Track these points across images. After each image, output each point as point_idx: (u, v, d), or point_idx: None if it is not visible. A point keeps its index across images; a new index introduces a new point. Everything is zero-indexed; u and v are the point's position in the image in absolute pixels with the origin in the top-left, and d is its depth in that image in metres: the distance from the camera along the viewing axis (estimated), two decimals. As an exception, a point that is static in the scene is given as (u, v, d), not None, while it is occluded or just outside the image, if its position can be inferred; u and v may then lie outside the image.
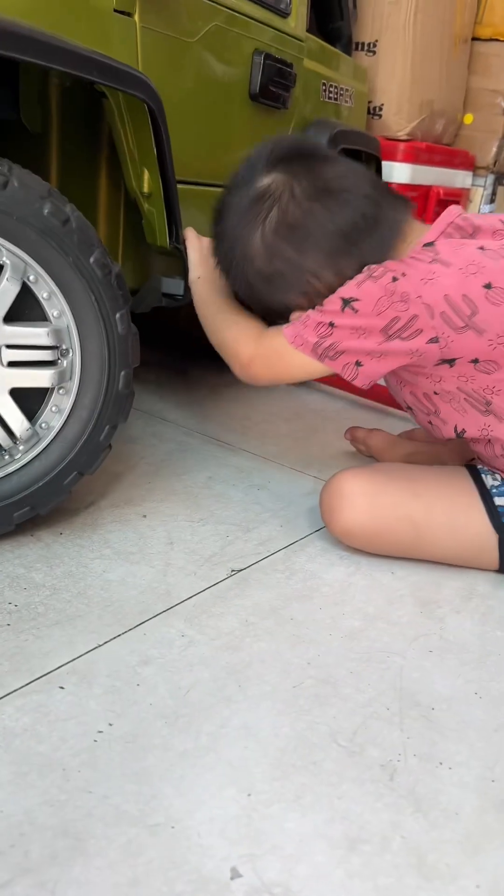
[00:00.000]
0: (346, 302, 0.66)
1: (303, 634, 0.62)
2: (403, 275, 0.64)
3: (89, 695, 0.52)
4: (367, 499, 0.72)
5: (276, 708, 0.53)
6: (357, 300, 0.65)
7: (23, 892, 0.38)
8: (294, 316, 0.72)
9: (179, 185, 0.92)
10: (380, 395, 1.17)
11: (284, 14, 1.07)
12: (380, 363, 0.67)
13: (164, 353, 1.42)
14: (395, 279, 0.64)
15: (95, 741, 0.48)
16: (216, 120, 0.97)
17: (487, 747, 0.51)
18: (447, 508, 0.72)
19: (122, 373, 0.68)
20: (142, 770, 0.46)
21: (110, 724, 0.49)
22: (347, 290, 0.66)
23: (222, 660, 0.57)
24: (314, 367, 0.69)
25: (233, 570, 0.70)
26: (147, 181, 0.84)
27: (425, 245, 0.68)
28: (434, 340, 0.64)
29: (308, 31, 1.30)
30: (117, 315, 0.66)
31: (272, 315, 0.76)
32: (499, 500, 0.71)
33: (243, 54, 0.99)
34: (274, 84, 1.04)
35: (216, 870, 0.40)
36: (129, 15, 0.80)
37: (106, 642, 0.57)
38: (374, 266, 0.67)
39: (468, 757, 0.50)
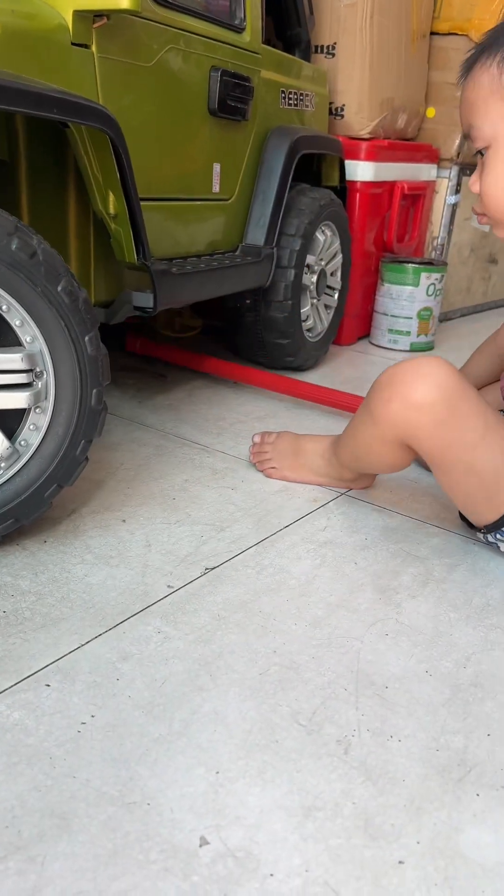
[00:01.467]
0: None
1: (270, 625, 0.67)
2: None
3: (73, 690, 0.57)
4: (450, 377, 0.71)
5: (243, 694, 0.58)
6: None
7: (16, 866, 0.43)
8: None
9: (145, 202, 0.96)
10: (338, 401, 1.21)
11: (239, 30, 1.11)
12: None
13: (143, 357, 1.46)
14: None
15: (79, 732, 0.53)
16: (177, 137, 1.02)
17: (434, 720, 0.57)
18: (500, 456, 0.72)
19: (94, 391, 0.73)
20: (120, 755, 0.51)
21: (92, 716, 0.55)
22: None
23: (195, 653, 0.62)
24: None
25: (206, 569, 0.75)
26: (112, 203, 0.88)
27: None
28: None
29: (268, 38, 1.34)
30: (86, 338, 0.71)
31: None
32: None
33: (200, 72, 1.03)
34: (232, 98, 1.08)
35: (186, 840, 0.46)
36: (87, 47, 0.84)
37: (88, 642, 0.63)
38: None
39: (416, 730, 0.56)
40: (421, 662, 0.63)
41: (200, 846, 0.45)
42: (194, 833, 0.46)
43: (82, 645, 0.62)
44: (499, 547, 0.80)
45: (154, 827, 0.46)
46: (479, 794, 0.51)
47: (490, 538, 0.79)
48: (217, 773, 0.51)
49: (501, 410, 0.88)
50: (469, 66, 0.68)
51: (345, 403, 1.18)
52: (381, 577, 0.76)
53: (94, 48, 0.85)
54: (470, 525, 0.83)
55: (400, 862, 0.46)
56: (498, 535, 0.78)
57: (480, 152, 0.69)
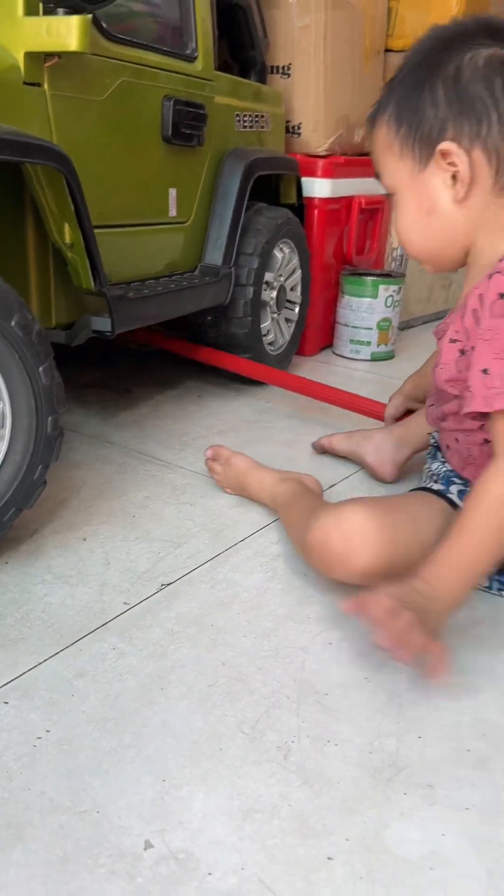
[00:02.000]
0: None
1: (220, 639, 0.71)
2: None
3: (30, 707, 0.60)
4: (381, 536, 0.72)
5: (191, 706, 0.62)
6: None
7: (-28, 874, 0.46)
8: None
9: (102, 230, 1.00)
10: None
11: (191, 59, 1.15)
12: None
13: (108, 373, 1.49)
14: None
15: (34, 746, 0.57)
16: (132, 166, 1.06)
17: (369, 725, 0.61)
18: (437, 532, 0.74)
19: (50, 418, 0.77)
20: (73, 768, 0.55)
21: (47, 731, 0.58)
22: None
23: (148, 668, 0.66)
24: None
25: (162, 585, 0.79)
26: (68, 234, 0.92)
27: None
28: None
29: (224, 61, 1.38)
30: (41, 368, 0.75)
31: None
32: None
33: (153, 102, 1.07)
34: (185, 125, 1.12)
35: (132, 844, 0.49)
36: (39, 85, 0.88)
37: (45, 660, 0.66)
38: None
39: (352, 735, 0.60)
40: (361, 670, 0.67)
41: (145, 849, 0.49)
42: (140, 837, 0.50)
43: (40, 663, 0.66)
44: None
45: (103, 833, 0.50)
46: (407, 794, 0.55)
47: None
48: (164, 781, 0.54)
49: (431, 435, 0.93)
50: (371, 121, 0.73)
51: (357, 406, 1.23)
52: (329, 590, 0.80)
53: (46, 86, 0.88)
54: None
55: (329, 858, 0.50)
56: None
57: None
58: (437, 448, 0.88)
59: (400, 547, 0.72)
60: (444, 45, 0.68)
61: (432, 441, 0.91)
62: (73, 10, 0.84)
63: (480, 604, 0.79)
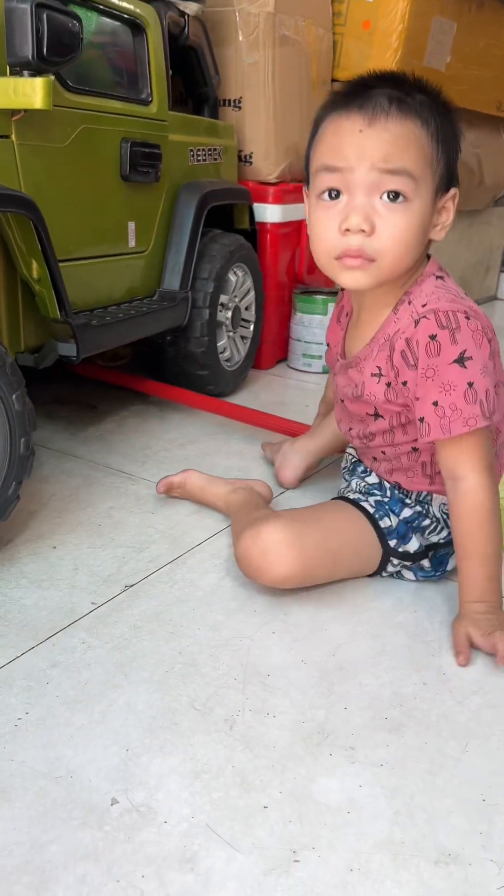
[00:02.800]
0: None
1: (177, 631, 0.81)
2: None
3: (10, 693, 0.70)
4: (293, 547, 0.82)
5: (151, 688, 0.72)
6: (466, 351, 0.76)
7: (-34, 828, 0.56)
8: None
9: (67, 263, 1.09)
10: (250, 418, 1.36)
11: (146, 102, 1.25)
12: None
13: (75, 387, 1.58)
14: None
15: (16, 725, 0.66)
16: (94, 203, 1.15)
17: (303, 700, 0.71)
18: (351, 535, 0.88)
19: (22, 440, 0.86)
20: (49, 741, 0.65)
21: (27, 713, 0.68)
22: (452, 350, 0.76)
23: (113, 658, 0.76)
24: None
25: (126, 586, 0.89)
26: (36, 269, 1.01)
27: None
28: None
29: (179, 97, 1.48)
30: (13, 396, 0.84)
31: None
32: (383, 523, 0.89)
33: (112, 144, 1.17)
34: (142, 165, 1.22)
35: (101, 800, 0.59)
36: (7, 137, 0.97)
37: (23, 654, 0.76)
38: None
39: (288, 708, 0.70)
40: (299, 654, 0.78)
41: (112, 805, 0.59)
42: (107, 795, 0.60)
43: (18, 656, 0.75)
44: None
45: (76, 793, 0.60)
46: (332, 754, 0.65)
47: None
48: (127, 750, 0.64)
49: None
50: (402, 105, 0.76)
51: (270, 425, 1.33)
52: (273, 587, 0.91)
53: (13, 137, 0.98)
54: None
55: (265, 807, 0.60)
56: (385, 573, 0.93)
57: None
58: (356, 464, 0.99)
59: (311, 555, 0.84)
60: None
61: (351, 458, 1.02)
62: (36, 72, 0.93)
63: (404, 594, 0.90)
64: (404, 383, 0.81)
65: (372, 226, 0.75)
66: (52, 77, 0.94)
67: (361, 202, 0.74)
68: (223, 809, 0.59)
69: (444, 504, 0.89)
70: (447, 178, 0.79)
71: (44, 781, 0.61)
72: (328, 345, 0.99)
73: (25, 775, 0.61)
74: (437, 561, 0.91)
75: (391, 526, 0.89)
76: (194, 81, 1.52)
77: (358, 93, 0.75)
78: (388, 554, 0.89)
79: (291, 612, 0.85)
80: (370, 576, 0.92)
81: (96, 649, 0.77)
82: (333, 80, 1.93)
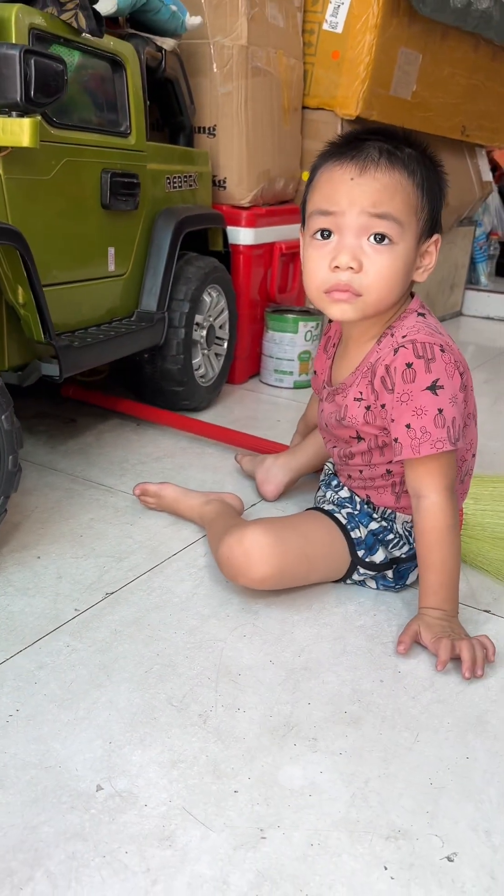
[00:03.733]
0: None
1: (155, 635, 0.87)
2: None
3: (1, 693, 0.76)
4: (274, 549, 0.89)
5: (131, 687, 0.78)
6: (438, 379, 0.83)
7: (-35, 813, 0.62)
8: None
9: (50, 287, 1.16)
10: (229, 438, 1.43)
11: (125, 134, 1.32)
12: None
13: (55, 402, 1.64)
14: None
15: (7, 721, 0.72)
16: (76, 231, 1.22)
17: (271, 696, 0.78)
18: (325, 542, 0.95)
19: (10, 457, 0.92)
20: (39, 736, 0.71)
21: (17, 710, 0.74)
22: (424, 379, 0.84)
23: (96, 660, 0.82)
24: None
25: (107, 593, 0.95)
26: (21, 295, 1.08)
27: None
28: None
29: (155, 125, 1.55)
30: (2, 416, 0.90)
31: None
32: (354, 534, 0.96)
33: (93, 175, 1.24)
34: (121, 193, 1.29)
35: (87, 788, 0.66)
36: (-6, 171, 1.03)
37: (11, 657, 0.81)
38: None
39: (257, 703, 0.77)
40: (267, 655, 0.85)
41: (97, 791, 0.65)
42: (93, 783, 0.66)
43: (7, 659, 0.81)
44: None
45: (64, 781, 0.66)
46: (296, 745, 0.72)
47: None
48: (110, 743, 0.71)
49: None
50: (390, 157, 0.84)
51: (238, 442, 1.39)
52: (246, 591, 0.97)
53: (0, 172, 1.04)
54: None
55: (235, 791, 0.67)
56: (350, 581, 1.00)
57: None
58: (332, 476, 1.07)
59: (290, 558, 0.91)
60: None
61: (329, 470, 1.10)
62: (24, 113, 1.00)
63: (366, 600, 0.97)
64: (383, 406, 0.90)
65: (359, 264, 0.83)
66: (39, 117, 1.01)
67: (351, 242, 0.83)
68: (198, 794, 0.66)
69: (407, 522, 0.97)
70: (431, 225, 0.88)
71: (35, 771, 0.67)
72: (315, 372, 1.07)
73: (18, 766, 0.67)
74: (398, 573, 0.98)
75: (360, 537, 0.96)
76: (171, 111, 1.59)
77: (352, 145, 0.84)
78: (355, 563, 0.97)
79: (261, 617, 0.92)
80: (335, 582, 0.99)
81: (80, 652, 0.83)
82: (304, 108, 2.02)
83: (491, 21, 2.24)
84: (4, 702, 0.75)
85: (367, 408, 0.92)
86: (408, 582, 1.00)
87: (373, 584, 0.99)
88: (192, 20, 1.53)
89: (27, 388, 1.23)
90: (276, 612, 0.93)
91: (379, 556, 0.96)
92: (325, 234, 0.85)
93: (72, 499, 1.21)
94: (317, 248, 0.86)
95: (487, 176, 2.89)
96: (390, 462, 0.93)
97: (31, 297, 1.07)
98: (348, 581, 0.99)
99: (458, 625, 0.88)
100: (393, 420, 0.88)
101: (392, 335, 0.90)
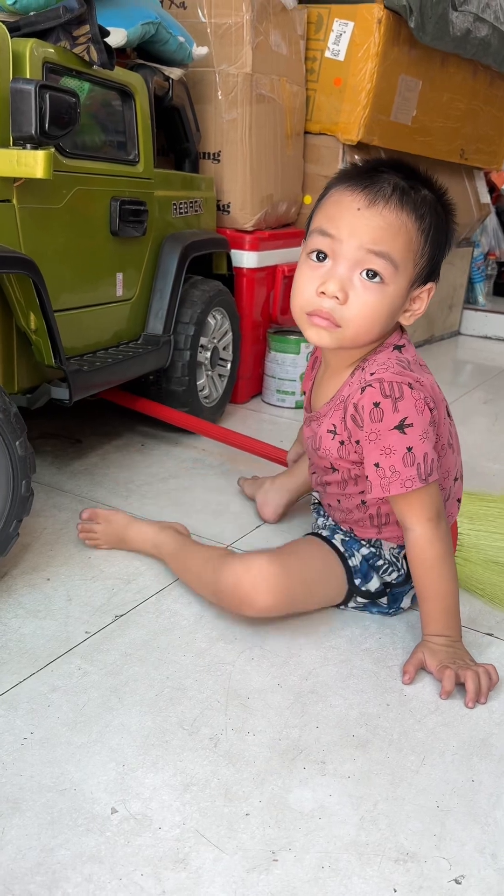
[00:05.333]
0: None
1: (165, 658, 0.89)
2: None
3: (16, 716, 0.77)
4: (280, 580, 0.89)
5: (143, 710, 0.80)
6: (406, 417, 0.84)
7: (-16, 835, 0.63)
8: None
9: (60, 313, 1.18)
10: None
11: (134, 163, 1.34)
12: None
13: (60, 424, 1.66)
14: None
15: (22, 745, 0.74)
16: (86, 258, 1.24)
17: (280, 719, 0.80)
18: (324, 570, 0.96)
19: (24, 482, 0.94)
20: (53, 759, 0.72)
21: (31, 733, 0.75)
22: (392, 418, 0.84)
23: (107, 682, 0.84)
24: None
25: (116, 616, 0.97)
26: (33, 321, 1.10)
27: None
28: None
29: (161, 150, 1.58)
30: (17, 442, 0.92)
31: None
32: (351, 562, 0.97)
33: (103, 203, 1.26)
34: (129, 220, 1.31)
35: (101, 810, 0.67)
36: (9, 201, 1.06)
37: (24, 679, 0.83)
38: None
39: (266, 727, 0.79)
40: (275, 678, 0.86)
41: (111, 813, 0.67)
42: (107, 806, 0.68)
43: (20, 682, 0.82)
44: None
45: (79, 803, 0.67)
46: (306, 768, 0.74)
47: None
48: (123, 765, 0.72)
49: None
50: (400, 198, 0.84)
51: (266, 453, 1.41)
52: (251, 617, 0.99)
53: (14, 201, 1.06)
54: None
55: (247, 814, 0.68)
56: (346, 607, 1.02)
57: None
58: (320, 504, 1.09)
59: (294, 587, 0.92)
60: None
61: (314, 500, 1.12)
62: (38, 145, 1.02)
63: (371, 623, 0.99)
64: (357, 442, 0.90)
65: (345, 295, 0.83)
66: (53, 149, 1.03)
67: (342, 273, 0.82)
68: (210, 817, 0.67)
69: (393, 549, 0.99)
70: (428, 272, 0.88)
71: (50, 794, 0.68)
72: (304, 392, 1.08)
73: (34, 789, 0.68)
74: (392, 598, 1.00)
75: (356, 565, 0.98)
76: (177, 138, 1.63)
77: (368, 174, 0.83)
78: (352, 591, 0.98)
79: (268, 640, 0.94)
80: (335, 607, 1.01)
81: (91, 675, 0.85)
82: (306, 133, 2.05)
83: (489, 48, 2.29)
84: (19, 725, 0.76)
85: (341, 443, 0.92)
86: (403, 606, 1.01)
87: (367, 612, 1.01)
88: (199, 50, 1.56)
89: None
90: (283, 635, 0.95)
91: (374, 584, 0.98)
92: (321, 256, 0.84)
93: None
94: (309, 269, 0.85)
95: (485, 198, 2.93)
96: (363, 492, 0.94)
97: (43, 323, 1.09)
98: (343, 608, 1.01)
99: (463, 650, 0.89)
100: (364, 458, 0.89)
101: (363, 369, 0.89)
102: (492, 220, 3.39)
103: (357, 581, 0.97)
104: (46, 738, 0.75)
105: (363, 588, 0.98)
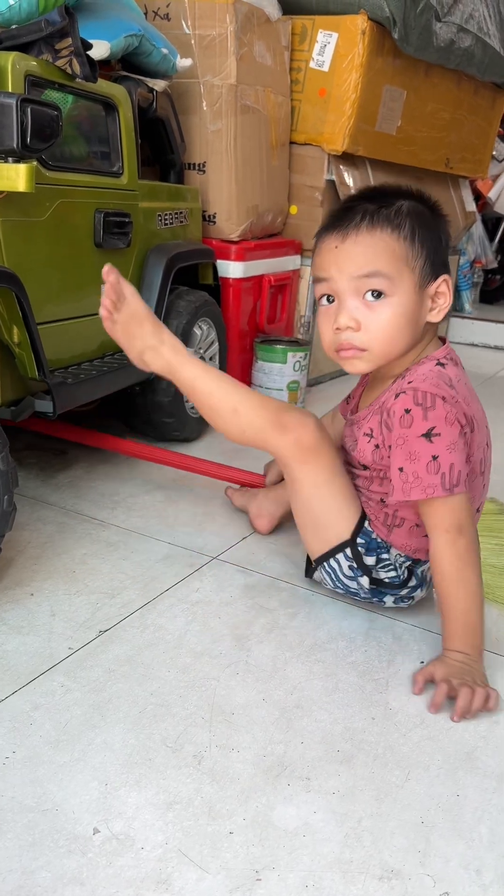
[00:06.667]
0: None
1: (149, 674, 0.88)
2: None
3: (-3, 735, 0.77)
4: (321, 430, 0.96)
5: (126, 728, 0.79)
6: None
7: (-37, 859, 0.63)
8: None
9: (44, 325, 1.17)
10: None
11: (118, 175, 1.34)
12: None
13: (43, 434, 1.65)
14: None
15: (4, 764, 0.73)
16: (70, 270, 1.24)
17: (265, 735, 0.79)
18: (347, 494, 0.98)
19: (5, 497, 0.93)
20: (35, 778, 0.71)
21: (13, 752, 0.74)
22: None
23: (90, 699, 0.83)
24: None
25: (100, 631, 0.96)
26: (16, 334, 1.09)
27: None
28: None
29: (146, 161, 1.58)
30: (-2, 457, 0.91)
31: None
32: (366, 526, 0.98)
33: (86, 215, 1.26)
34: (114, 232, 1.31)
35: (84, 830, 0.66)
36: (-10, 214, 1.05)
37: (7, 697, 0.82)
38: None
39: (251, 743, 0.78)
40: (260, 693, 0.86)
41: (94, 834, 0.66)
42: (89, 825, 0.67)
43: (2, 700, 0.82)
44: (324, 584, 1.04)
45: (61, 824, 0.67)
46: (290, 784, 0.73)
47: (320, 574, 1.02)
48: (106, 784, 0.71)
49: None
50: (371, 221, 0.89)
51: (224, 476, 1.40)
52: (238, 627, 0.99)
53: (-4, 215, 1.06)
54: (310, 576, 1.08)
55: (230, 832, 0.68)
56: (324, 570, 1.02)
57: None
58: None
59: (328, 464, 0.97)
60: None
61: None
62: (20, 158, 1.02)
63: (357, 636, 0.99)
64: (390, 447, 0.92)
65: (358, 322, 0.89)
66: (35, 162, 1.03)
67: (348, 304, 0.89)
68: (193, 836, 0.67)
69: (399, 555, 0.99)
70: (432, 269, 0.90)
71: (32, 814, 0.67)
72: (350, 397, 1.12)
73: (15, 809, 0.68)
74: (374, 590, 1.00)
75: (368, 531, 0.98)
76: (162, 149, 1.62)
77: (339, 214, 0.90)
78: (348, 544, 0.98)
79: (253, 654, 0.93)
80: (315, 564, 1.02)
81: (74, 692, 0.84)
82: (291, 143, 2.06)
83: (473, 58, 2.31)
84: (1, 744, 0.75)
85: (376, 446, 0.95)
86: (385, 604, 1.02)
87: (343, 591, 1.01)
88: (183, 62, 1.57)
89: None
90: (267, 649, 0.94)
91: (370, 560, 0.98)
92: (330, 299, 0.91)
93: (64, 533, 1.22)
94: (323, 314, 0.92)
95: (471, 206, 2.95)
96: (386, 493, 0.96)
97: (27, 337, 1.09)
98: (326, 566, 1.00)
99: (478, 670, 0.87)
100: (391, 463, 0.91)
101: (403, 378, 0.92)
102: (478, 228, 3.41)
103: (360, 542, 0.98)
104: (29, 756, 0.74)
105: (360, 550, 0.98)
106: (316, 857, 0.66)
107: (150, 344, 0.98)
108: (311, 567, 1.07)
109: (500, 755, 0.79)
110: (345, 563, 0.99)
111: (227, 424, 0.98)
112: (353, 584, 1.00)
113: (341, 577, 1.00)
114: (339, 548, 0.99)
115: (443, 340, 0.98)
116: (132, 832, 0.67)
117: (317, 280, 0.92)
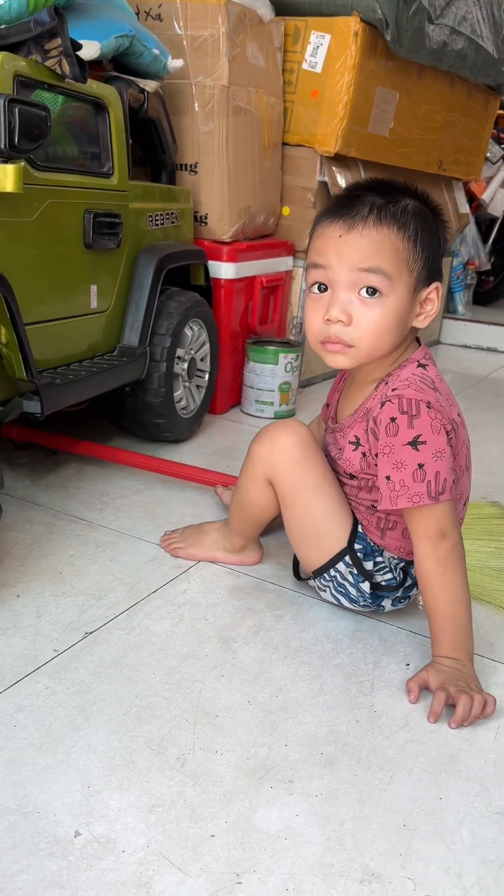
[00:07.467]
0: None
1: (134, 676, 0.88)
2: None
3: (-20, 737, 0.76)
4: (308, 436, 0.99)
5: (110, 730, 0.79)
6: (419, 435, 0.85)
7: None
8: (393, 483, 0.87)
9: (33, 326, 1.17)
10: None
11: (108, 175, 1.34)
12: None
13: (35, 433, 1.65)
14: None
15: (-14, 767, 0.73)
16: (59, 271, 1.24)
17: (249, 738, 0.79)
18: (339, 504, 0.98)
19: (-9, 498, 0.93)
20: (18, 781, 0.71)
21: (-4, 755, 0.74)
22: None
23: (75, 701, 0.83)
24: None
25: (86, 633, 0.96)
26: (4, 335, 1.09)
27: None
28: None
29: (137, 162, 1.58)
30: (-16, 458, 0.91)
31: None
32: (360, 531, 0.98)
33: (76, 216, 1.26)
34: (104, 233, 1.31)
35: (65, 833, 0.66)
36: (-21, 215, 1.05)
37: (-9, 699, 0.82)
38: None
39: (235, 746, 0.78)
40: (245, 695, 0.86)
41: (75, 837, 0.66)
42: (71, 828, 0.67)
43: (-13, 701, 0.82)
44: (321, 594, 1.04)
45: (42, 826, 0.67)
46: (273, 787, 0.73)
47: (317, 583, 1.02)
48: (88, 787, 0.71)
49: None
50: (379, 216, 0.87)
51: (209, 480, 1.40)
52: (224, 629, 0.99)
53: (-16, 215, 1.06)
54: (299, 578, 1.08)
55: (212, 835, 0.68)
56: (321, 582, 1.02)
57: None
58: None
59: (312, 454, 0.99)
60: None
61: None
62: (8, 159, 1.02)
63: (343, 638, 0.99)
64: (377, 455, 0.92)
65: (349, 317, 0.87)
66: (23, 162, 1.03)
67: (341, 297, 0.87)
68: (175, 839, 0.67)
69: (393, 558, 0.99)
70: (428, 274, 0.90)
71: (13, 817, 0.67)
72: (328, 404, 1.11)
73: (-4, 812, 0.68)
74: (374, 595, 1.00)
75: (363, 536, 0.98)
76: (153, 150, 1.62)
77: (345, 202, 0.88)
78: (346, 551, 0.97)
79: (239, 656, 0.93)
80: (314, 576, 1.02)
81: (59, 694, 0.84)
82: (284, 144, 2.06)
83: (466, 60, 2.31)
84: (-17, 746, 0.75)
85: (363, 455, 0.94)
86: (385, 608, 1.02)
87: (348, 597, 1.01)
88: (174, 63, 1.57)
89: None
90: (253, 651, 0.94)
91: (368, 565, 0.98)
92: (322, 287, 0.89)
93: (52, 534, 1.22)
94: (313, 302, 0.90)
95: (464, 208, 2.95)
96: (375, 501, 0.96)
97: (14, 337, 1.08)
98: (327, 577, 1.00)
99: (471, 675, 0.87)
100: (378, 471, 0.91)
101: (386, 384, 0.92)
102: (471, 230, 3.42)
103: (358, 546, 0.98)
104: (11, 758, 0.74)
105: (359, 555, 0.97)
106: (297, 860, 0.66)
107: None
108: (299, 568, 1.07)
109: (483, 758, 0.80)
110: (345, 571, 0.99)
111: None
112: (353, 591, 1.00)
113: (345, 584, 1.00)
114: (339, 556, 0.99)
115: (418, 341, 0.98)
116: (113, 835, 0.67)
117: (312, 266, 0.89)
